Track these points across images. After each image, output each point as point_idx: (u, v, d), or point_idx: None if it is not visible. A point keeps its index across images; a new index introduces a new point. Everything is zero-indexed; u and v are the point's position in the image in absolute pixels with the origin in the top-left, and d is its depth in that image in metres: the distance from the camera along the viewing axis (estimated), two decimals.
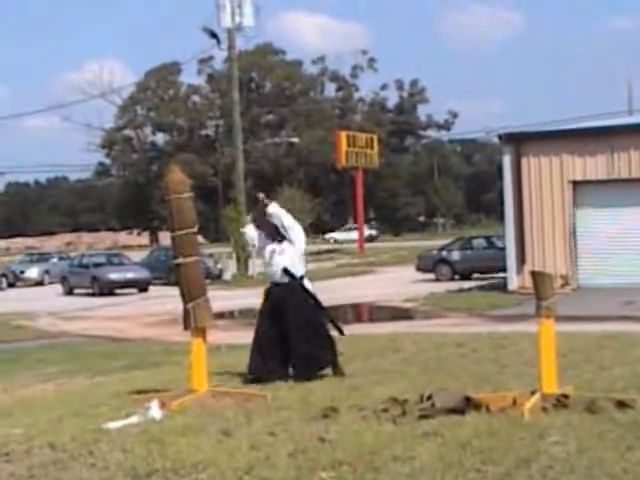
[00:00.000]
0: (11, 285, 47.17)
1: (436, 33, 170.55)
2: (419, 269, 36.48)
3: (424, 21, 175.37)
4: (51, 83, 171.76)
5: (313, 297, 10.85)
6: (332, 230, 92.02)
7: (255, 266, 41.74)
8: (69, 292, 39.40)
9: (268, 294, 10.90)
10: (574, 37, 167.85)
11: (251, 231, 11.12)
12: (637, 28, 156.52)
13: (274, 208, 10.78)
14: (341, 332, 11.21)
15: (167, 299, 28.30)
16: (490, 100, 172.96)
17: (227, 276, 42.12)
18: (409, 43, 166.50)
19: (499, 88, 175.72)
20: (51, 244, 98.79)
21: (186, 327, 9.63)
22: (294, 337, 10.53)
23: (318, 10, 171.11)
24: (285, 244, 10.74)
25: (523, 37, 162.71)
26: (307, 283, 10.89)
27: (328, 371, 10.63)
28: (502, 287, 26.85)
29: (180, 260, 9.61)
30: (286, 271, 10.66)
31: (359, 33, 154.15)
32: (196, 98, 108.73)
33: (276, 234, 10.80)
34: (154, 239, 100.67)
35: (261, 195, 11.05)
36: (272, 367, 10.48)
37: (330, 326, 10.98)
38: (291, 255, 10.71)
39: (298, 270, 10.78)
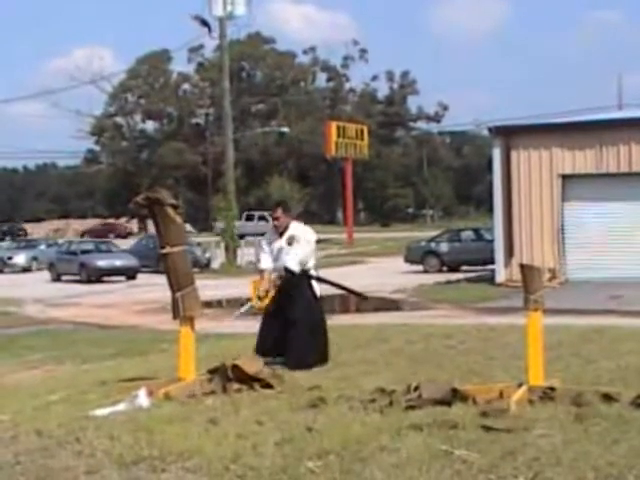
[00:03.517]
0: None
1: (425, 24, 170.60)
2: (407, 260, 36.55)
3: (412, 11, 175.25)
4: (41, 69, 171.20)
5: (314, 294, 11.14)
6: None
7: (244, 255, 41.79)
8: (57, 279, 39.33)
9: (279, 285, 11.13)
10: (565, 30, 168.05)
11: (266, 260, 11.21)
12: (627, 22, 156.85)
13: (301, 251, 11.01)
14: (364, 297, 11.74)
15: (155, 287, 28.24)
16: (480, 92, 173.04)
17: (215, 265, 42.11)
18: (397, 34, 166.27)
19: (489, 80, 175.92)
20: (39, 231, 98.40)
21: (175, 316, 9.62)
22: (291, 330, 10.80)
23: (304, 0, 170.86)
24: (294, 246, 11.01)
25: (513, 29, 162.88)
26: (313, 281, 11.18)
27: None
28: (490, 279, 26.92)
29: (167, 250, 9.58)
30: (287, 269, 10.93)
31: (346, 24, 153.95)
32: (186, 86, 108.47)
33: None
34: (142, 227, 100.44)
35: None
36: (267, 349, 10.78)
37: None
38: (297, 253, 10.97)
39: (305, 266, 11.05)
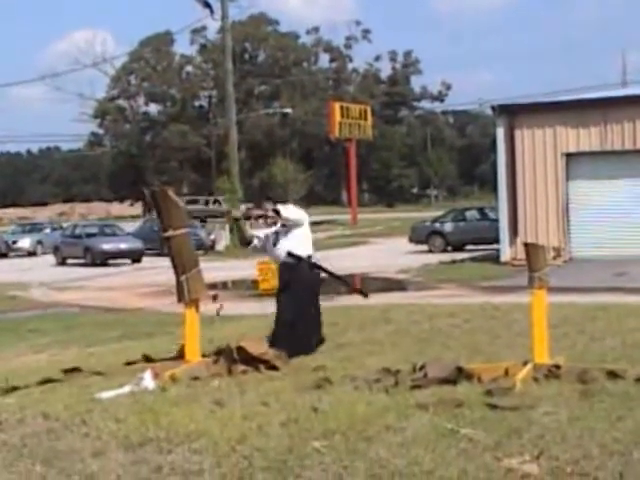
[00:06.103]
0: (3, 255, 47.16)
1: (428, 3, 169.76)
2: (412, 240, 36.50)
3: None
4: (43, 53, 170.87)
5: (319, 275, 10.60)
6: None
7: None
8: (62, 262, 39.34)
9: (280, 274, 10.65)
10: (567, 8, 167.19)
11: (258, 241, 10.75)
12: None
13: (287, 213, 10.30)
14: (365, 295, 11.43)
15: (160, 270, 28.30)
16: (483, 71, 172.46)
17: (220, 247, 42.13)
18: (400, 14, 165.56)
19: (492, 59, 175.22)
20: (43, 214, 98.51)
21: (180, 299, 9.63)
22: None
23: None
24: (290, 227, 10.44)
25: (516, 8, 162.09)
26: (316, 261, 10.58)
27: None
28: (495, 258, 26.90)
29: (170, 233, 9.57)
30: (290, 254, 10.36)
31: (349, 4, 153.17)
32: (189, 68, 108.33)
33: (271, 223, 10.59)
34: (147, 210, 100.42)
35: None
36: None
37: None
38: (296, 235, 10.40)
39: (304, 250, 10.45)
